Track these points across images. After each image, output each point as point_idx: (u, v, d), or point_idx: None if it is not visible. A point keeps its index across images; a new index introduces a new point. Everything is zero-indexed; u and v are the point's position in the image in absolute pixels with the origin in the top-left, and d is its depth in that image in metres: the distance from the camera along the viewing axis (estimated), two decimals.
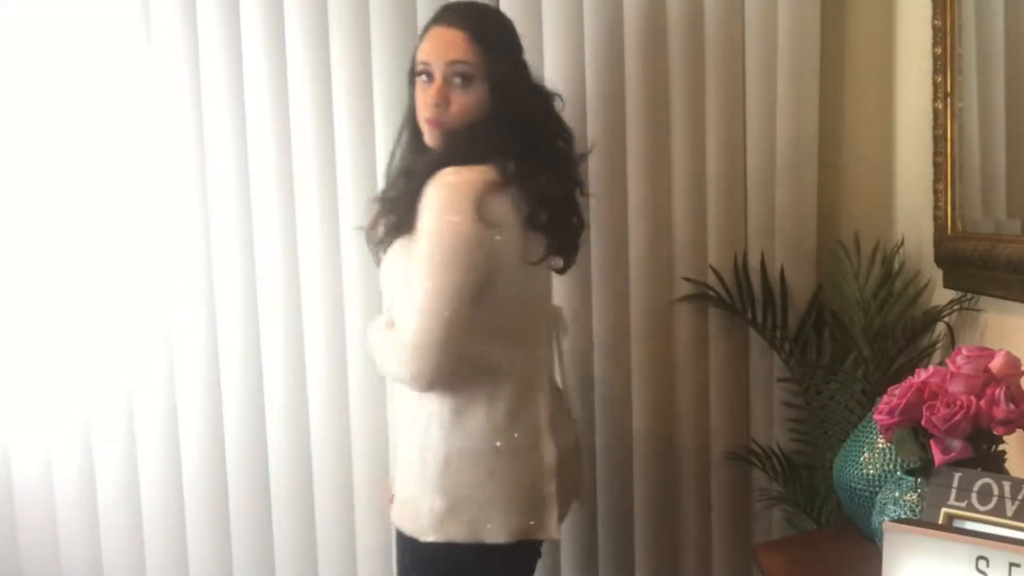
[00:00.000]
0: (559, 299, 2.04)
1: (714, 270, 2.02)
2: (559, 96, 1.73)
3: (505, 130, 1.60)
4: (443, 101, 1.61)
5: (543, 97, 1.70)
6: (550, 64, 1.99)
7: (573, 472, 1.76)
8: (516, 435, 1.61)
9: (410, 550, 1.65)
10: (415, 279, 1.54)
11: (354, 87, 2.03)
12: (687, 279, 2.03)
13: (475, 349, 1.57)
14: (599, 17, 1.99)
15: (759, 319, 2.00)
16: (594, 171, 2.01)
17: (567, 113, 1.91)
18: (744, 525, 2.08)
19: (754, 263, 2.01)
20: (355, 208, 2.02)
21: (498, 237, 1.54)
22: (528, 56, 1.94)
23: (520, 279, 1.61)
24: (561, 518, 1.69)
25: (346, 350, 2.10)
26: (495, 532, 1.59)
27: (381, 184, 1.87)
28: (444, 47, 1.61)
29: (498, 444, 1.59)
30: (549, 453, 1.63)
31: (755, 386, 2.05)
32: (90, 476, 2.19)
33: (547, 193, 1.60)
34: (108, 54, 2.09)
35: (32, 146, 2.12)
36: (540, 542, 1.68)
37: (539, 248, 1.61)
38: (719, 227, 2.02)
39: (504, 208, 1.56)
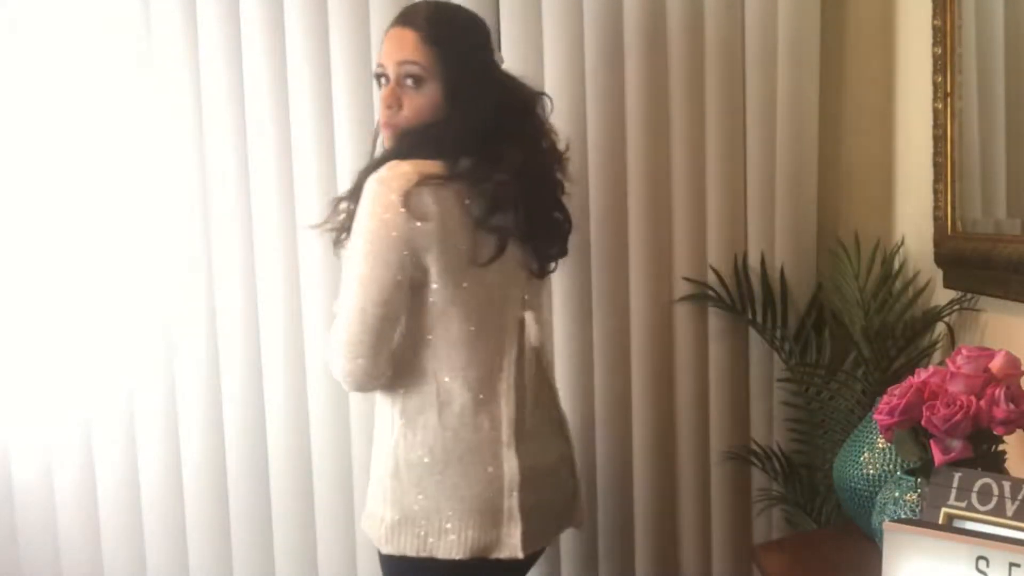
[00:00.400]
0: (560, 299, 2.04)
1: (714, 270, 2.02)
2: (547, 96, 1.69)
3: (459, 130, 1.53)
4: (395, 103, 1.55)
5: (513, 97, 1.61)
6: (550, 64, 1.99)
7: (556, 492, 1.65)
8: (470, 444, 1.53)
9: (379, 560, 1.63)
10: (346, 276, 1.51)
11: (354, 87, 2.03)
12: (687, 279, 2.03)
13: (419, 352, 1.54)
14: (599, 17, 1.99)
15: (759, 319, 2.00)
16: (594, 171, 2.00)
17: (567, 113, 1.91)
18: (744, 525, 2.08)
19: (754, 263, 2.01)
20: None
21: (427, 224, 1.47)
22: (528, 56, 1.93)
23: (472, 281, 1.53)
24: (535, 540, 1.58)
25: None
26: (448, 547, 1.51)
27: None
28: (397, 48, 1.56)
29: (445, 454, 1.52)
30: (511, 464, 1.54)
31: (755, 386, 2.05)
32: (90, 476, 2.19)
33: (505, 193, 1.52)
34: (108, 54, 2.09)
35: (32, 146, 2.13)
36: (516, 564, 1.56)
37: (489, 250, 1.53)
38: (719, 227, 2.01)
39: (441, 202, 1.48)
